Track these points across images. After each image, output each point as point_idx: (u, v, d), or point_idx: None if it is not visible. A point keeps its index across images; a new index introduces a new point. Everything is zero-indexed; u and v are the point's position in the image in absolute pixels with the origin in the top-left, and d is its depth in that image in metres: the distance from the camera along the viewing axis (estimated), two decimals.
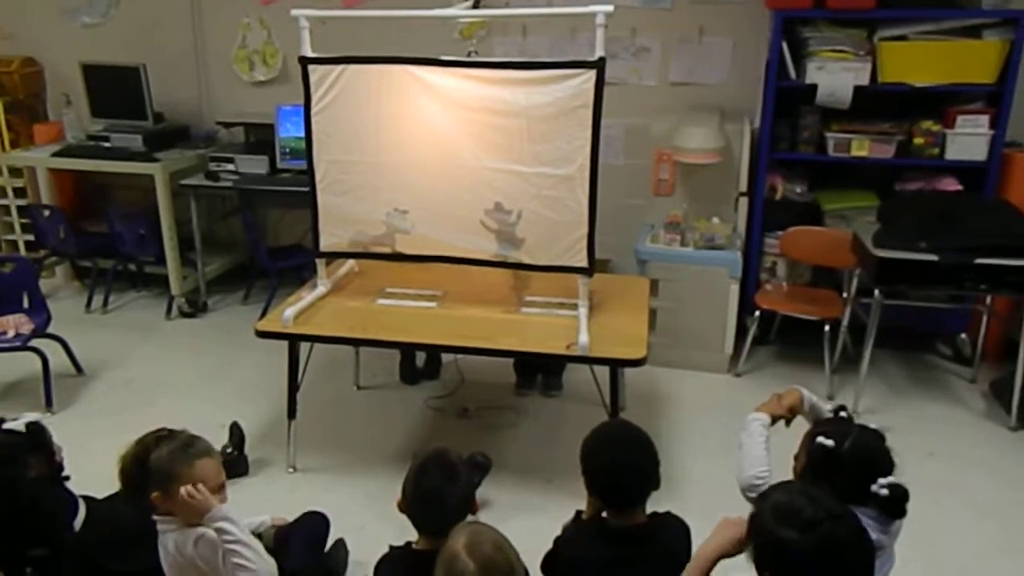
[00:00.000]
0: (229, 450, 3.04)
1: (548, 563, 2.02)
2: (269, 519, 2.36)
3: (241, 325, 4.30)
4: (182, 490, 1.95)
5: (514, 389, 3.66)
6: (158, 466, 1.99)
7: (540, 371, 3.67)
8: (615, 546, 1.88)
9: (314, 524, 2.49)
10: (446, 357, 3.79)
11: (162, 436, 2.11)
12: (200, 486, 1.96)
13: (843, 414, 1.97)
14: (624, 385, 3.29)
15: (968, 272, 3.09)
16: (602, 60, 2.55)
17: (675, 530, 1.95)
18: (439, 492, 1.89)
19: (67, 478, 2.28)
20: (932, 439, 3.25)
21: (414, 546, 1.96)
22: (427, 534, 1.92)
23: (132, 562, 2.09)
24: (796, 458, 1.92)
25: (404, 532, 2.04)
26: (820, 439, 1.82)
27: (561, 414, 3.49)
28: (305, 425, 3.08)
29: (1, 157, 4.71)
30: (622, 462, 1.93)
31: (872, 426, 1.90)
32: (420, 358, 3.78)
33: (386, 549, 2.03)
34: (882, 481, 1.73)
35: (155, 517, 2.03)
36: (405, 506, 1.95)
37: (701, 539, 1.98)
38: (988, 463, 3.13)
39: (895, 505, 1.74)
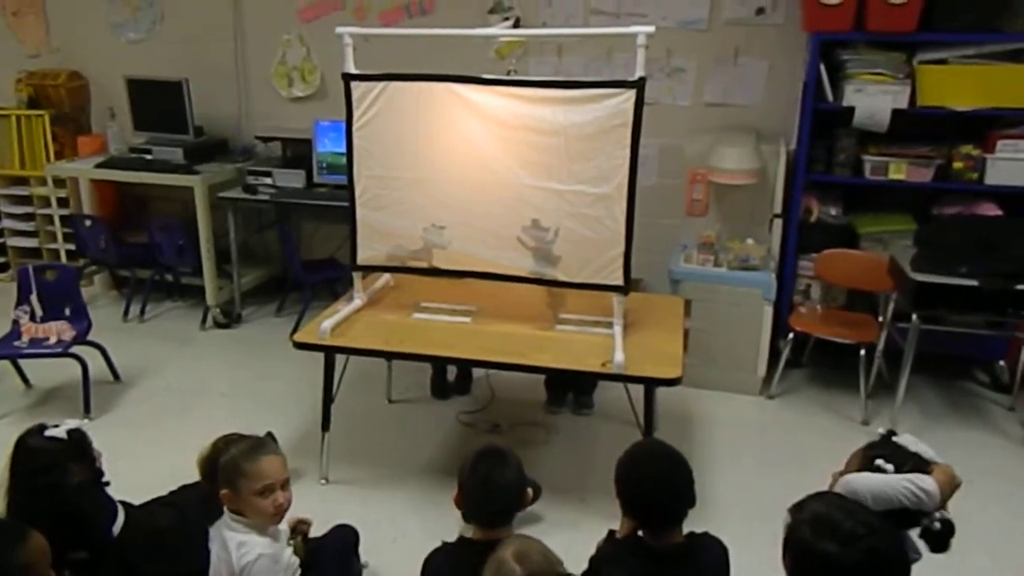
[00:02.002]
0: None
1: None
2: (287, 527, 2.38)
3: (274, 337, 4.35)
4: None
5: (545, 407, 3.66)
6: (225, 464, 2.03)
7: (571, 389, 3.66)
8: (654, 565, 1.87)
9: (344, 537, 2.51)
10: (477, 373, 3.80)
11: (232, 439, 2.14)
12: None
13: (896, 439, 1.90)
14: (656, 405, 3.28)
15: (1009, 298, 3.05)
16: (642, 80, 2.56)
17: (713, 550, 1.94)
18: (493, 478, 1.96)
19: (107, 484, 2.31)
20: (969, 468, 3.15)
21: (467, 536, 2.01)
22: (481, 523, 1.97)
23: (169, 567, 2.11)
24: (841, 475, 1.86)
25: (437, 544, 2.06)
26: (879, 462, 1.77)
27: (593, 432, 3.48)
28: (337, 437, 3.09)
29: (46, 168, 4.83)
30: (658, 482, 1.92)
31: (927, 456, 1.84)
32: (451, 373, 3.79)
33: (417, 561, 2.04)
34: (937, 515, 1.69)
35: (226, 514, 2.05)
36: (461, 498, 2.01)
37: (736, 561, 1.98)
38: None
39: (941, 540, 1.69)
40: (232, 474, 2.01)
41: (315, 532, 2.46)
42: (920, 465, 1.78)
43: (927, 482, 1.71)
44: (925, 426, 3.51)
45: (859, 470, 1.83)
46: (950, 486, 1.75)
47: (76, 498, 2.15)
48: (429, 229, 2.96)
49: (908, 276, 3.17)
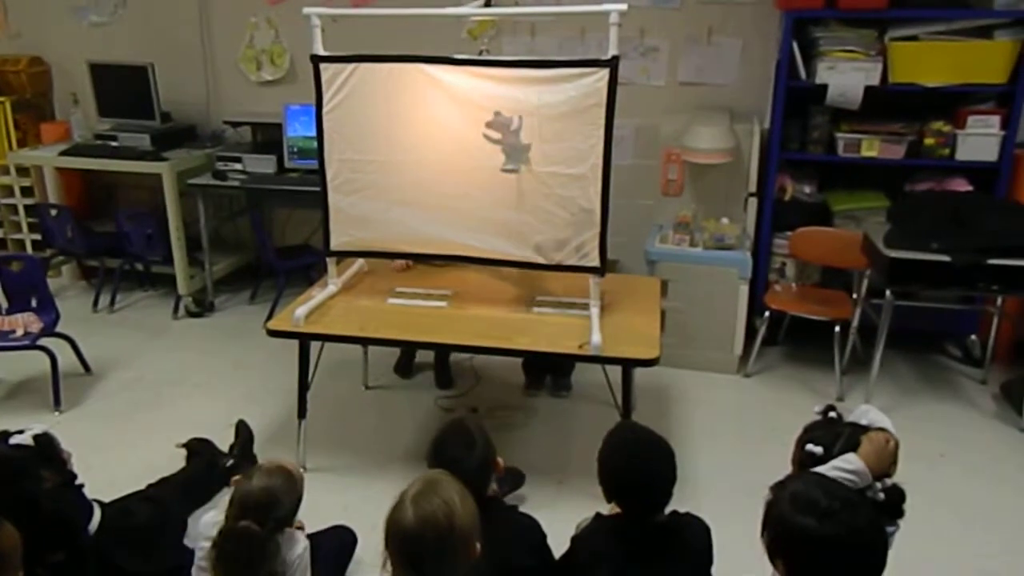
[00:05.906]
0: (235, 452, 3.01)
1: (566, 562, 2.01)
2: None
3: (248, 325, 4.30)
4: None
5: (523, 390, 3.65)
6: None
7: (549, 371, 3.66)
8: (636, 544, 1.87)
9: (342, 539, 2.49)
10: (457, 359, 3.77)
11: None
12: None
13: (832, 415, 1.90)
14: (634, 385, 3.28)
15: (981, 273, 3.08)
16: (616, 59, 2.54)
17: (697, 529, 1.94)
18: (457, 461, 1.94)
19: (81, 485, 2.27)
20: (943, 440, 3.24)
21: None
22: None
23: (148, 562, 2.08)
24: (793, 462, 1.88)
25: None
26: (809, 446, 1.78)
27: (571, 414, 3.48)
28: (314, 425, 3.06)
29: (8, 156, 4.70)
30: (641, 469, 1.90)
31: (863, 422, 1.84)
32: (420, 356, 3.76)
33: None
34: (878, 485, 1.69)
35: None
36: None
37: (716, 538, 1.98)
38: (1000, 464, 3.11)
39: (893, 508, 1.71)
40: None
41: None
42: (853, 438, 1.77)
43: (851, 462, 1.70)
44: (900, 401, 3.55)
45: (796, 458, 1.84)
46: (879, 454, 1.73)
47: (50, 503, 2.11)
48: (403, 212, 2.93)
49: (881, 252, 3.19)
